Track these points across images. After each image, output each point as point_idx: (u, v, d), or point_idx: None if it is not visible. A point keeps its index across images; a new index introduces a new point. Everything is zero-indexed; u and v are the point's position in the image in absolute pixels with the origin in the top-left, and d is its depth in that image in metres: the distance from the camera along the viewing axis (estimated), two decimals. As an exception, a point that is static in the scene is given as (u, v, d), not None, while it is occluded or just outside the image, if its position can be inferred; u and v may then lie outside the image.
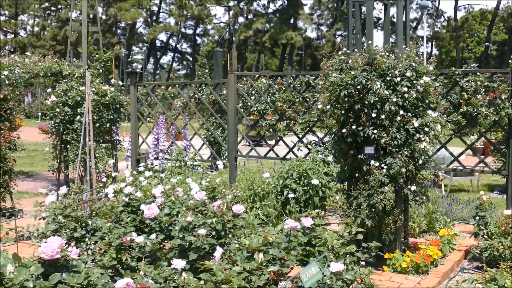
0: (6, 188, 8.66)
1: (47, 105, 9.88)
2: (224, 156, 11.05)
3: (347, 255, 4.69)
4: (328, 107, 6.03)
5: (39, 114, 31.03)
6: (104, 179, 9.07)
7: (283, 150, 9.55)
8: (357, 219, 5.78)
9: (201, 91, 12.33)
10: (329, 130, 6.22)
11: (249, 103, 9.64)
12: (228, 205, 5.38)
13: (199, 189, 6.48)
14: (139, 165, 9.72)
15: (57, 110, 9.25)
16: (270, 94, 9.55)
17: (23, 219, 7.82)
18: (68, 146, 9.77)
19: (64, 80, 10.44)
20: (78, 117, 9.11)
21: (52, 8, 62.52)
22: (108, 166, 9.40)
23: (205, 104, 10.49)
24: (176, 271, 3.77)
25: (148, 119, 11.26)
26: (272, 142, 11.07)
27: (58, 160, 9.90)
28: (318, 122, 8.47)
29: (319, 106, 6.21)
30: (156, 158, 9.97)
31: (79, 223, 5.66)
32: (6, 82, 10.98)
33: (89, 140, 7.39)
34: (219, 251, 4.16)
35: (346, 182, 6.34)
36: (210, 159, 10.78)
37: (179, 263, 3.81)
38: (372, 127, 5.73)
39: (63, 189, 6.08)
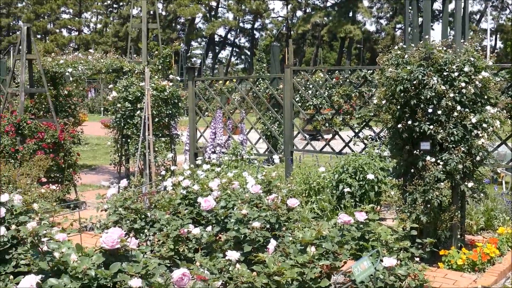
0: (70, 181, 9.02)
1: (108, 100, 10.22)
2: (280, 150, 11.11)
3: (401, 251, 4.68)
4: (383, 102, 6.01)
5: (102, 109, 31.96)
6: (163, 173, 9.31)
7: (339, 144, 9.55)
8: (412, 215, 5.74)
9: (258, 86, 12.43)
10: (385, 125, 6.19)
11: (305, 98, 9.67)
12: (283, 198, 5.46)
13: (255, 182, 6.59)
14: (197, 158, 9.92)
15: (118, 105, 9.56)
16: (326, 89, 9.55)
17: (86, 211, 8.14)
18: (129, 140, 10.08)
19: (124, 76, 10.76)
20: (138, 112, 9.38)
21: (114, 6, 64.17)
22: (167, 160, 9.64)
23: (262, 98, 10.58)
24: (230, 263, 3.88)
25: (206, 113, 11.46)
26: (328, 136, 11.06)
27: (119, 154, 10.22)
28: (374, 116, 8.42)
29: (375, 101, 6.19)
30: (214, 152, 10.15)
31: (139, 215, 5.86)
32: (71, 78, 11.42)
33: (149, 135, 7.62)
34: (272, 243, 4.24)
35: (402, 178, 6.30)
36: (266, 153, 10.87)
37: (233, 255, 3.91)
38: (428, 123, 5.67)
39: (124, 182, 6.30)
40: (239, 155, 9.26)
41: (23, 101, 8.85)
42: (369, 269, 3.90)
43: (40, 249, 3.59)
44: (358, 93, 8.87)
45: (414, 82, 5.67)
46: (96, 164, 14.48)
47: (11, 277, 3.83)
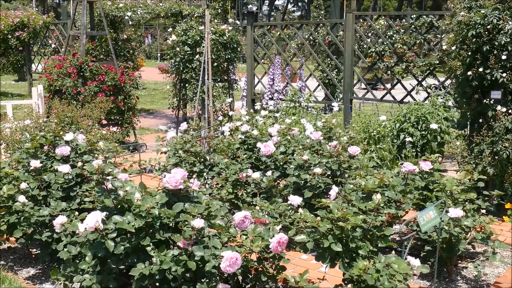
0: (130, 124, 9.13)
1: (167, 44, 10.19)
2: (338, 99, 10.92)
3: (466, 202, 4.53)
4: (453, 48, 5.73)
5: (158, 55, 32.15)
6: (220, 118, 9.31)
7: (399, 93, 9.28)
8: (478, 167, 5.54)
9: (317, 32, 12.14)
10: (453, 73, 5.93)
11: (365, 45, 9.38)
12: (343, 146, 5.35)
13: (313, 129, 6.49)
14: (255, 104, 9.85)
15: (177, 49, 9.52)
16: (388, 36, 9.22)
17: (145, 153, 8.24)
18: (187, 84, 10.08)
19: (184, 20, 10.68)
20: (197, 56, 9.32)
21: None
22: (224, 105, 9.61)
23: (322, 44, 10.33)
24: (292, 207, 3.83)
25: (263, 60, 11.31)
26: (389, 85, 10.76)
27: (178, 98, 10.26)
28: (439, 65, 8.10)
29: (444, 47, 5.91)
30: (271, 99, 10.04)
31: (198, 158, 5.88)
32: (130, 22, 11.43)
33: (207, 79, 7.57)
34: (334, 190, 4.16)
35: (467, 128, 6.07)
36: (324, 100, 10.69)
37: (296, 199, 3.86)
38: (501, 70, 5.39)
39: (184, 125, 6.31)
40: (297, 102, 9.13)
41: (84, 44, 8.92)
42: (435, 219, 3.77)
43: (105, 187, 3.62)
44: (423, 40, 8.53)
45: (488, 26, 5.36)
46: (154, 108, 14.64)
47: (76, 213, 3.91)
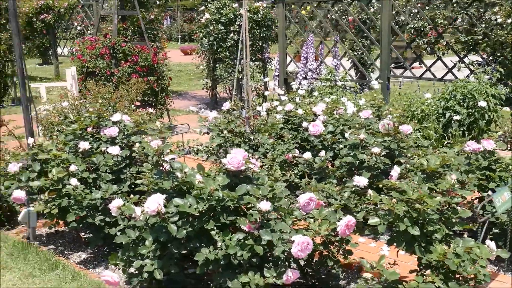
0: (163, 105, 8.98)
1: (200, 23, 9.98)
2: (376, 77, 10.66)
3: (532, 182, 4.31)
4: (509, 21, 5.46)
5: (179, 36, 31.94)
6: (253, 98, 9.12)
7: (439, 71, 9.00)
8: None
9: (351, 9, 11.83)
10: (507, 47, 5.66)
11: (403, 22, 9.09)
12: (395, 125, 5.14)
13: (355, 108, 6.27)
14: (290, 84, 9.64)
15: (210, 28, 9.31)
16: (427, 11, 8.92)
17: (179, 135, 8.08)
18: (218, 64, 9.89)
19: (214, -2, 10.46)
20: (231, 35, 9.11)
21: None
22: (259, 85, 9.41)
23: (358, 22, 10.06)
24: (357, 188, 3.65)
25: (295, 38, 11.07)
26: (416, 63, 10.47)
27: (211, 78, 10.07)
28: (482, 40, 7.81)
29: (499, 20, 5.64)
30: (304, 78, 9.82)
31: (242, 138, 5.71)
32: (157, 2, 11.24)
33: (242, 58, 7.37)
34: (396, 170, 3.98)
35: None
36: (358, 79, 10.44)
37: (361, 180, 3.69)
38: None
39: (226, 105, 6.13)
40: (333, 80, 8.90)
41: (116, 24, 8.76)
42: (509, 201, 3.58)
43: (163, 169, 3.47)
44: (465, 15, 8.23)
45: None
46: (181, 90, 14.48)
47: (132, 196, 3.77)
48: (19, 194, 4.22)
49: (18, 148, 5.49)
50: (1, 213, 4.97)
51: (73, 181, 4.01)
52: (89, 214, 4.08)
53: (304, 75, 9.91)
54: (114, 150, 4.32)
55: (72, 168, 4.19)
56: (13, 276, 3.94)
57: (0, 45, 11.20)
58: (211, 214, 3.32)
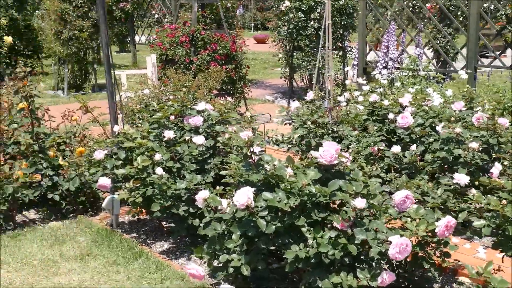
0: (241, 94, 8.91)
1: (279, 11, 9.83)
2: (462, 66, 10.20)
3: None
4: None
5: (252, 25, 31.90)
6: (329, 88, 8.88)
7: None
8: None
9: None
10: None
11: (493, 8, 8.60)
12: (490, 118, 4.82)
13: (441, 100, 5.95)
14: (371, 73, 9.34)
15: (290, 15, 9.14)
16: None
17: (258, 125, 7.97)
18: (296, 52, 9.70)
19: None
20: (311, 22, 8.91)
21: None
22: (339, 74, 9.16)
23: (443, 9, 9.61)
24: (457, 187, 3.42)
25: (375, 25, 10.73)
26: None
27: (290, 67, 9.91)
28: None
29: None
30: (385, 67, 9.49)
31: (325, 129, 5.54)
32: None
33: (326, 47, 7.16)
34: (497, 167, 3.69)
35: None
36: (440, 68, 9.99)
37: (462, 178, 3.44)
38: None
39: (310, 95, 5.96)
40: (416, 70, 8.53)
41: (195, 12, 8.74)
42: None
43: (252, 161, 3.35)
44: None
45: None
46: (256, 78, 14.40)
47: (218, 187, 3.68)
48: (105, 181, 4.23)
49: (102, 135, 5.53)
50: (85, 199, 5.03)
51: (159, 170, 3.96)
52: (173, 204, 4.02)
53: (384, 65, 9.56)
54: (199, 139, 4.24)
55: (157, 157, 4.14)
56: (97, 264, 3.94)
57: (82, 32, 11.46)
58: (301, 210, 3.17)
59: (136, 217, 4.82)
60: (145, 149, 4.29)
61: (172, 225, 4.38)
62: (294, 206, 3.09)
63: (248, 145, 3.29)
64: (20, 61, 5.40)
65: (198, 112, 4.52)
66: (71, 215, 4.91)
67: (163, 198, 3.97)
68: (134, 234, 4.52)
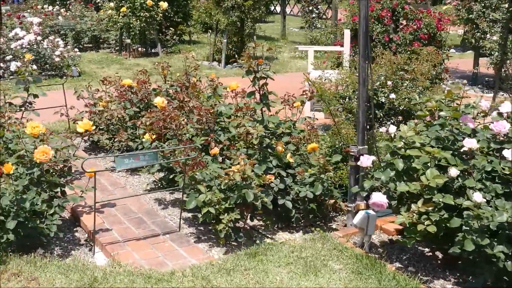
0: (441, 80, 7.69)
1: None
2: None
3: None
4: None
5: None
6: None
7: None
8: None
9: None
10: None
11: None
12: None
13: None
14: None
15: None
16: None
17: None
18: None
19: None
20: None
21: None
22: None
23: None
24: None
25: None
26: None
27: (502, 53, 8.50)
28: None
29: None
30: None
31: None
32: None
33: None
34: None
35: None
36: None
37: None
38: None
39: None
40: None
41: (396, -18, 7.56)
42: None
43: None
44: None
45: None
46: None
47: None
48: (381, 198, 3.28)
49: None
50: (316, 206, 4.11)
51: (477, 196, 2.92)
52: (481, 241, 2.97)
53: None
54: (509, 153, 3.16)
55: (453, 172, 3.11)
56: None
57: (246, 1, 10.65)
58: None
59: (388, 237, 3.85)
60: (430, 158, 3.27)
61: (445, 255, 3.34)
62: None
63: None
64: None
65: (500, 114, 3.43)
66: (297, 224, 4.05)
67: (474, 233, 2.93)
68: (397, 264, 3.55)
